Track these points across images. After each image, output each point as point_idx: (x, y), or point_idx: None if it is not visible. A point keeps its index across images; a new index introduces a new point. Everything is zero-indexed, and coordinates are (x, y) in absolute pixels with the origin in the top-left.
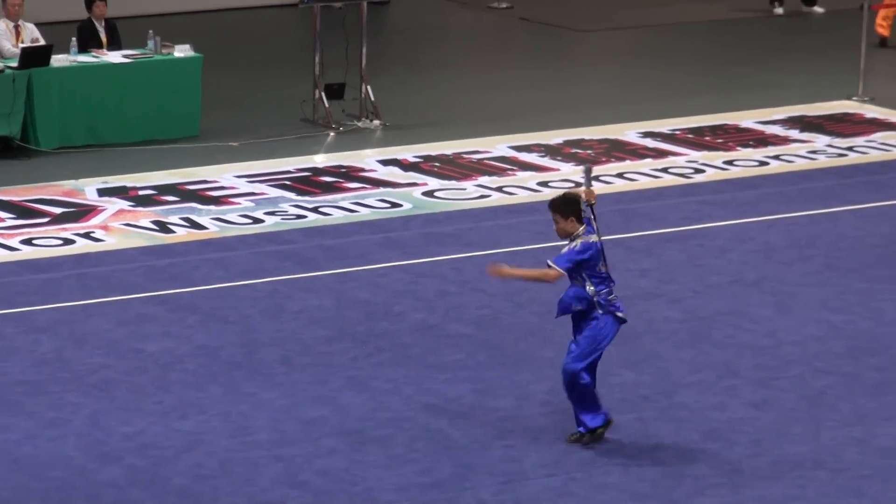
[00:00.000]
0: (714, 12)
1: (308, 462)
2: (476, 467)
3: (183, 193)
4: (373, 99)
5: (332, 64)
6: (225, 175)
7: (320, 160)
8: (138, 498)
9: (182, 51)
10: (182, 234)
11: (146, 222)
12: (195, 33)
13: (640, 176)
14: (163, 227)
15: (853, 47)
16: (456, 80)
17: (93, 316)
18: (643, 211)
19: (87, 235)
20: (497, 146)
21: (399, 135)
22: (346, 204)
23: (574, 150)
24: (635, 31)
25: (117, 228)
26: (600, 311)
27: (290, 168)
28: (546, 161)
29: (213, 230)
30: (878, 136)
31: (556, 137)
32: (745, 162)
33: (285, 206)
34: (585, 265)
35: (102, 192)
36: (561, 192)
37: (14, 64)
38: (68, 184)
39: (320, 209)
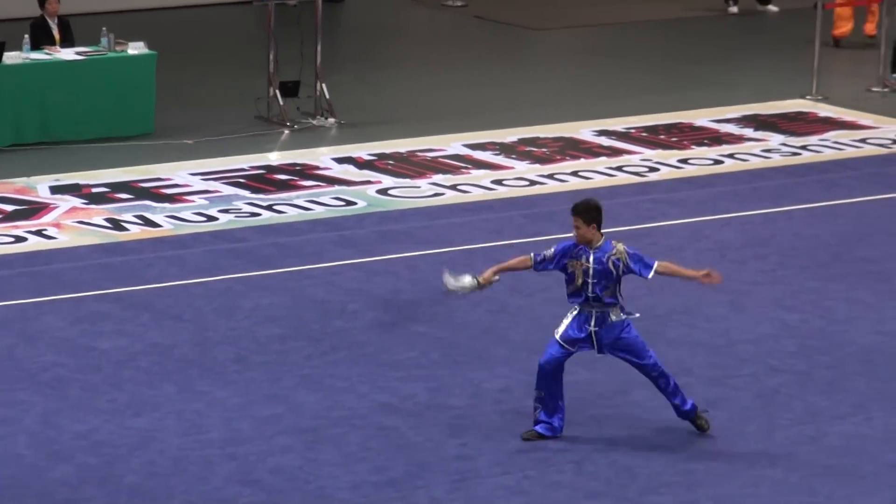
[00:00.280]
0: (669, 11)
1: (261, 460)
2: (430, 465)
3: (137, 191)
4: (327, 97)
5: (286, 61)
6: (179, 173)
7: (275, 158)
8: (91, 496)
9: (136, 48)
10: (136, 231)
11: (99, 220)
12: (149, 30)
13: (595, 174)
14: (116, 224)
15: (807, 46)
16: (411, 79)
17: (45, 314)
18: None
19: (39, 233)
20: (451, 144)
21: (354, 133)
22: (300, 202)
23: (529, 149)
24: (590, 29)
25: (70, 226)
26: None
27: (245, 166)
28: (500, 159)
29: (167, 228)
30: (832, 135)
31: (510, 136)
32: (700, 160)
33: (240, 204)
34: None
35: (55, 190)
36: (586, 197)
37: None
38: (20, 181)
39: (275, 207)
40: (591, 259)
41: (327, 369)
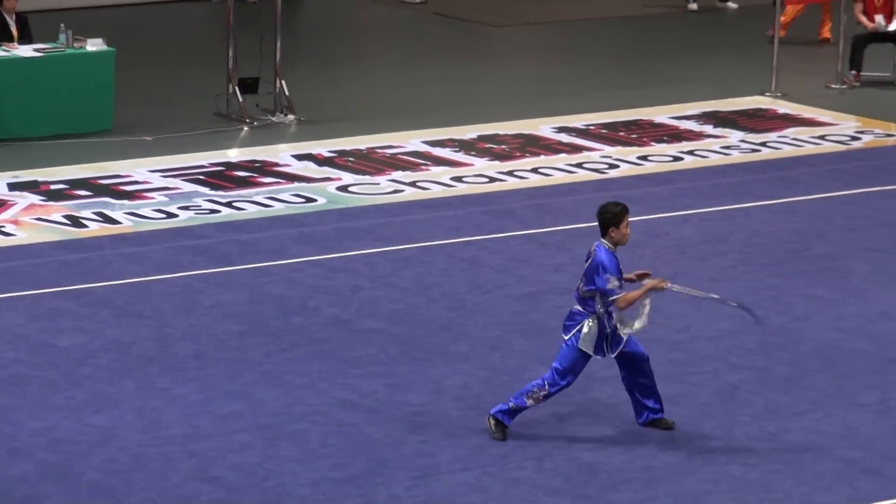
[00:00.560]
0: (628, 8)
1: (221, 457)
2: (390, 462)
3: (96, 188)
4: (287, 93)
5: (246, 58)
6: (138, 169)
7: (234, 155)
8: (50, 493)
9: (94, 45)
10: (95, 228)
11: (58, 217)
12: (107, 27)
13: (555, 171)
14: (75, 221)
15: (766, 43)
16: (370, 75)
17: (3, 311)
18: (557, 206)
19: None
20: (411, 141)
21: (313, 129)
22: (260, 199)
23: (488, 145)
24: (550, 26)
25: (28, 223)
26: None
27: (204, 163)
28: (460, 156)
29: (127, 225)
30: (791, 132)
31: (470, 132)
32: (660, 157)
33: (199, 201)
34: None
35: (13, 187)
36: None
37: None
38: None
39: (234, 204)
40: None
41: (287, 366)
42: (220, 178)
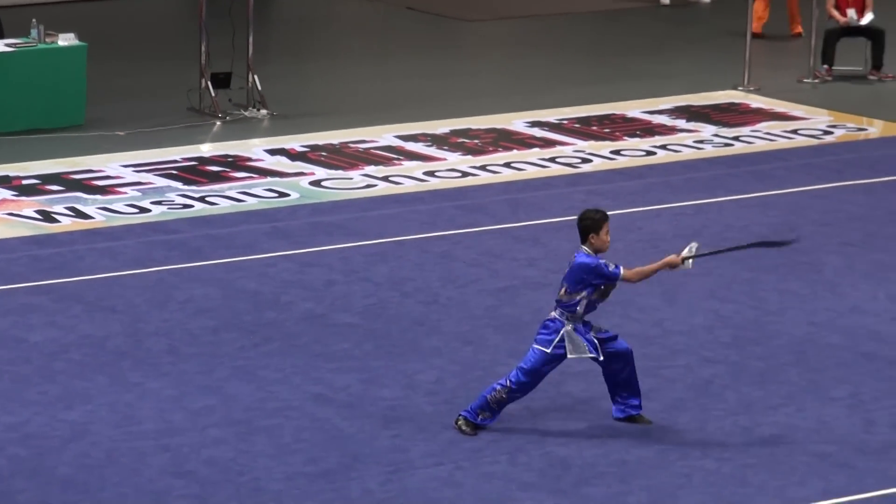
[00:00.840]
0: (601, 2)
1: (195, 452)
2: (363, 457)
3: (68, 183)
4: (259, 88)
5: (218, 53)
6: (111, 164)
7: (207, 149)
8: (22, 488)
9: (66, 39)
10: (67, 223)
11: (30, 212)
12: (79, 22)
13: (528, 165)
14: (47, 216)
15: (739, 37)
16: (343, 70)
17: None
18: (531, 200)
19: None
20: (383, 136)
21: (286, 124)
22: (233, 193)
23: (461, 140)
24: (522, 20)
25: (0, 218)
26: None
27: (177, 157)
28: (433, 151)
29: (99, 220)
30: (763, 126)
31: (442, 127)
32: (632, 152)
33: (172, 196)
34: None
35: None
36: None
37: None
38: None
39: (207, 199)
40: None
41: (260, 361)
42: (193, 172)
